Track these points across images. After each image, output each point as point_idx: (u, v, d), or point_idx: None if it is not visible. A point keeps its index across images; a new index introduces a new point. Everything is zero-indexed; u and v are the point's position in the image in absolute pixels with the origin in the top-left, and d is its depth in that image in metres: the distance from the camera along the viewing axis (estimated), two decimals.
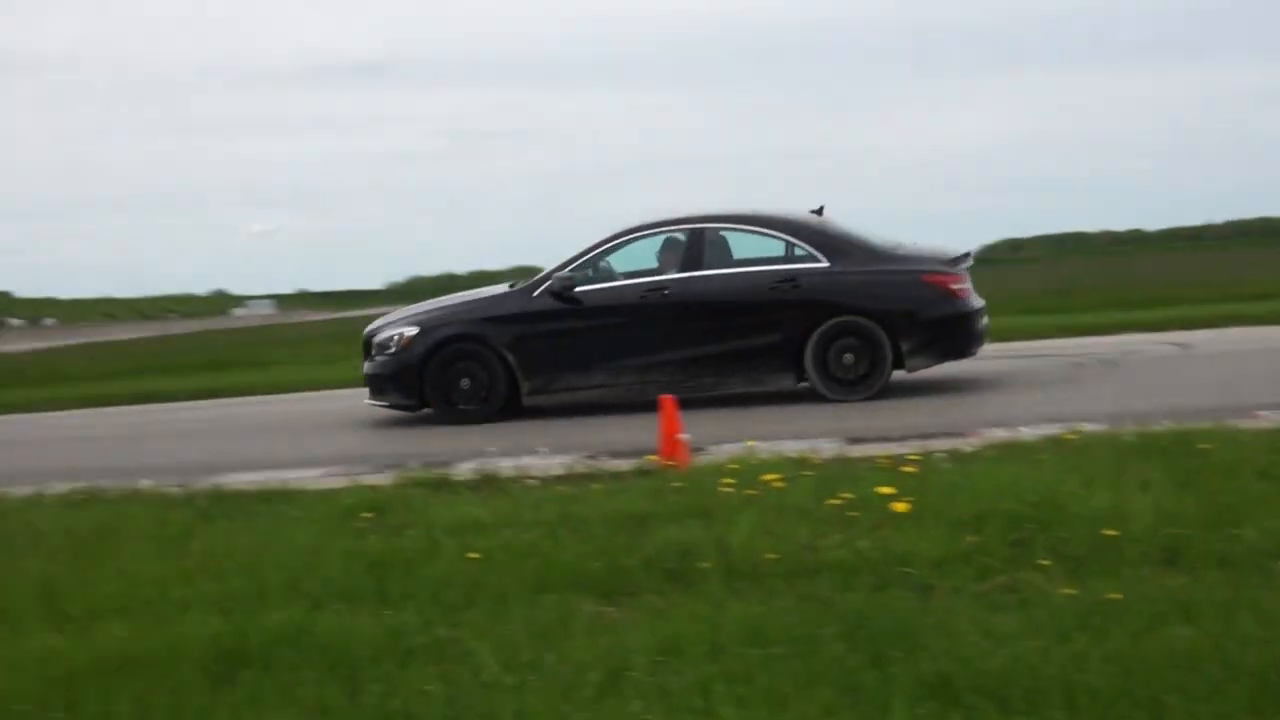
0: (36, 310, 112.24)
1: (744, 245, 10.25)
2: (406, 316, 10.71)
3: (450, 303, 10.77)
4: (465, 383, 10.20)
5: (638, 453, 7.52)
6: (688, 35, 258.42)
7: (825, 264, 10.02)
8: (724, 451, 7.41)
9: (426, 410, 10.40)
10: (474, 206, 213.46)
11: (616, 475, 6.84)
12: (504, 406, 10.20)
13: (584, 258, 10.30)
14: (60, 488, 7.63)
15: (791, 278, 10.00)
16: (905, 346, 9.86)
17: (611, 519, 5.59)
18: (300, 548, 5.36)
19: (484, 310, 10.38)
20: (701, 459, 7.14)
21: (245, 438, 10.65)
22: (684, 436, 7.28)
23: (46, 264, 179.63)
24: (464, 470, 7.37)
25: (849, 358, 9.88)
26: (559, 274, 10.26)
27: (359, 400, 11.40)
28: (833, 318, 9.87)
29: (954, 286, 9.98)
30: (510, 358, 10.17)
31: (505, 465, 7.44)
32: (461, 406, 10.21)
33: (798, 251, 10.07)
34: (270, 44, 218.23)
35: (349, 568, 5.03)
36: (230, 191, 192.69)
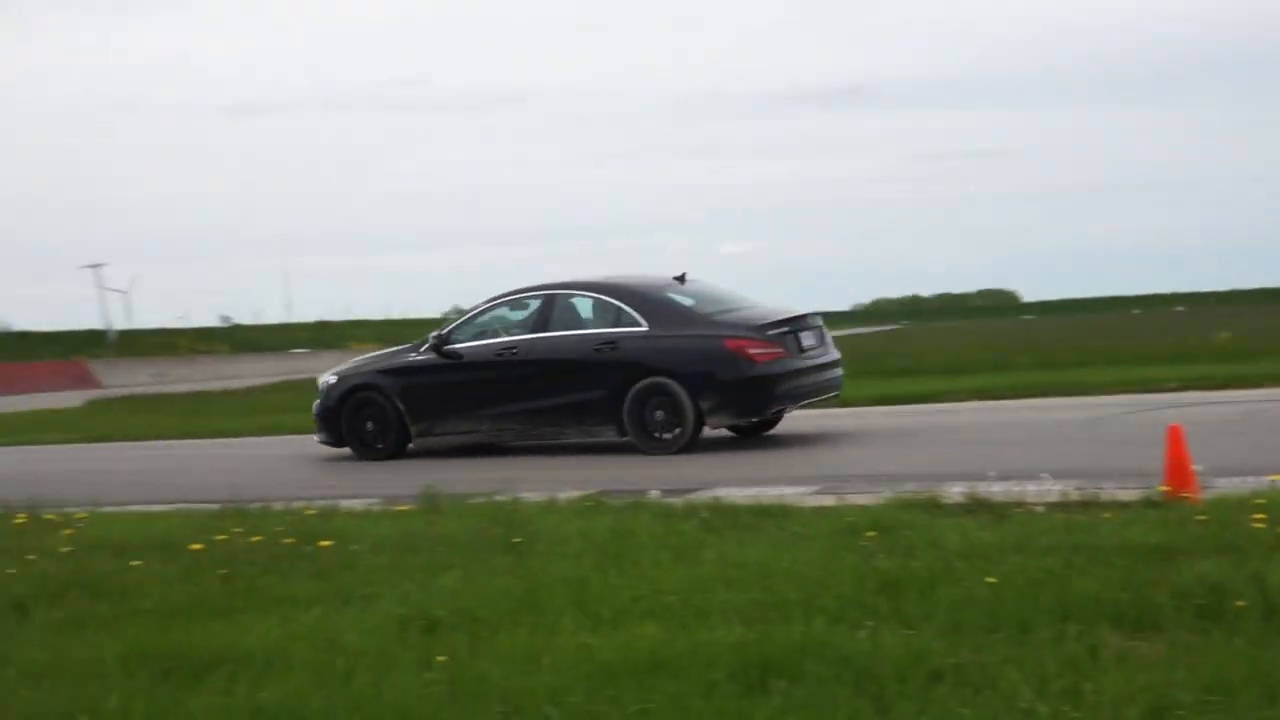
0: None
1: (586, 310, 11.67)
2: (337, 367, 13.17)
3: (369, 355, 13.14)
4: (370, 425, 12.34)
5: (1139, 479, 7.13)
6: (1159, 50, 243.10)
7: (644, 328, 11.28)
8: (1240, 485, 6.91)
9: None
10: (942, 229, 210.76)
11: (1123, 505, 6.53)
12: (399, 447, 12.24)
13: (463, 319, 12.19)
14: (572, 494, 8.21)
15: (612, 340, 11.31)
16: (704, 405, 11.00)
17: (1129, 549, 5.35)
18: (811, 563, 5.47)
19: (384, 363, 12.49)
20: (1212, 492, 6.72)
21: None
22: (1197, 468, 6.90)
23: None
24: (954, 493, 7.27)
25: (660, 414, 11.06)
26: (438, 333, 12.19)
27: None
28: (645, 378, 11.07)
29: (753, 351, 11.02)
30: (400, 405, 12.15)
31: (997, 490, 7.27)
32: (373, 445, 12.34)
33: (623, 317, 11.37)
34: (746, 73, 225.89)
35: (861, 585, 5.08)
36: (705, 214, 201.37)
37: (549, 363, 11.54)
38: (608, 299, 11.56)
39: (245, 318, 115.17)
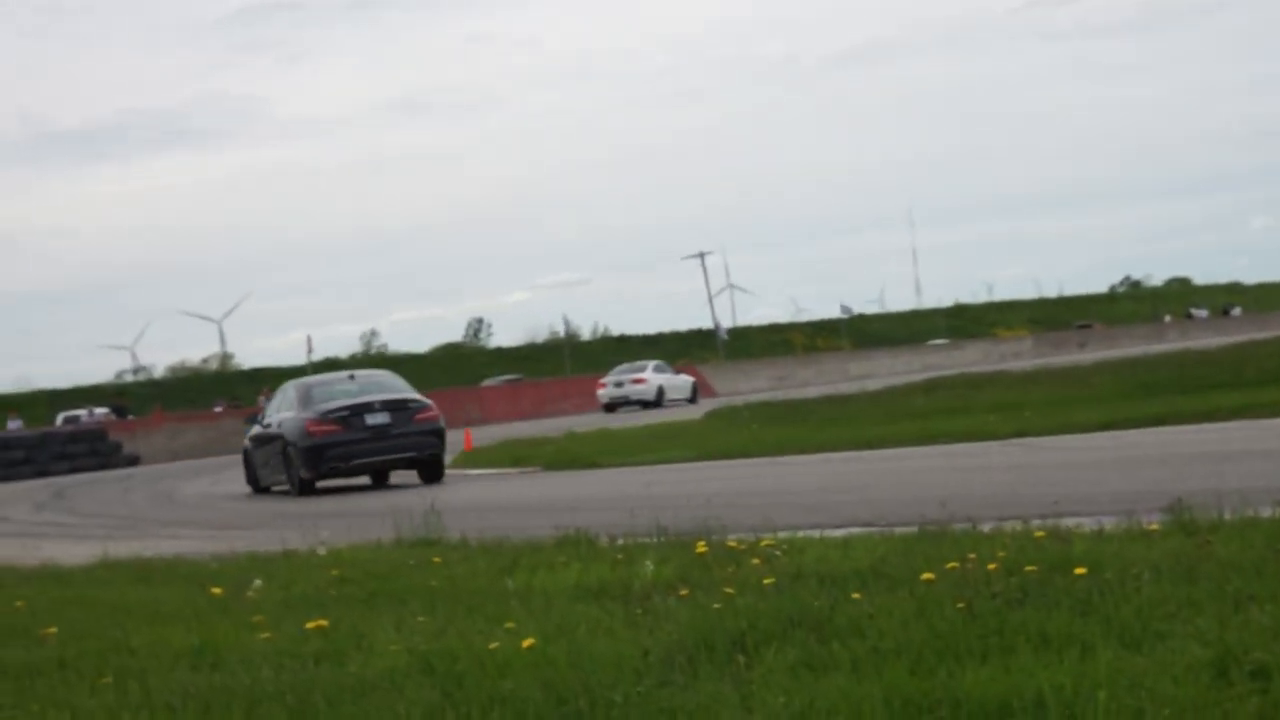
0: (1223, 297, 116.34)
1: (286, 396, 23.09)
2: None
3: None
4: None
5: None
6: None
7: (293, 412, 21.84)
8: None
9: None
10: None
11: None
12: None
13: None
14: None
15: (281, 420, 22.17)
16: (297, 463, 21.30)
17: None
18: None
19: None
20: None
21: None
22: None
23: (1228, 243, 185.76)
24: None
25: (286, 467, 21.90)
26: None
27: None
28: (286, 445, 21.75)
29: (313, 429, 21.10)
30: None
31: None
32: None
33: (294, 403, 22.11)
34: None
35: None
36: None
37: (266, 436, 22.83)
38: (290, 391, 22.68)
39: (868, 306, 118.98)
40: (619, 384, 50.04)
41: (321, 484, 21.88)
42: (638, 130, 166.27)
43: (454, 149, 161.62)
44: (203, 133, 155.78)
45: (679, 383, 51.86)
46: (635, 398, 49.20)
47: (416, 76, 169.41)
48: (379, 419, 21.11)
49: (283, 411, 22.00)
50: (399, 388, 22.39)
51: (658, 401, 48.88)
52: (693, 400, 50.80)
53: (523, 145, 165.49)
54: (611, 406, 49.16)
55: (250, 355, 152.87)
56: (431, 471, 21.71)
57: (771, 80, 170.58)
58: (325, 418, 21.05)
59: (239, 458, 25.03)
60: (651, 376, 50.15)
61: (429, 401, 22.00)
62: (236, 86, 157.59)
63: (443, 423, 21.89)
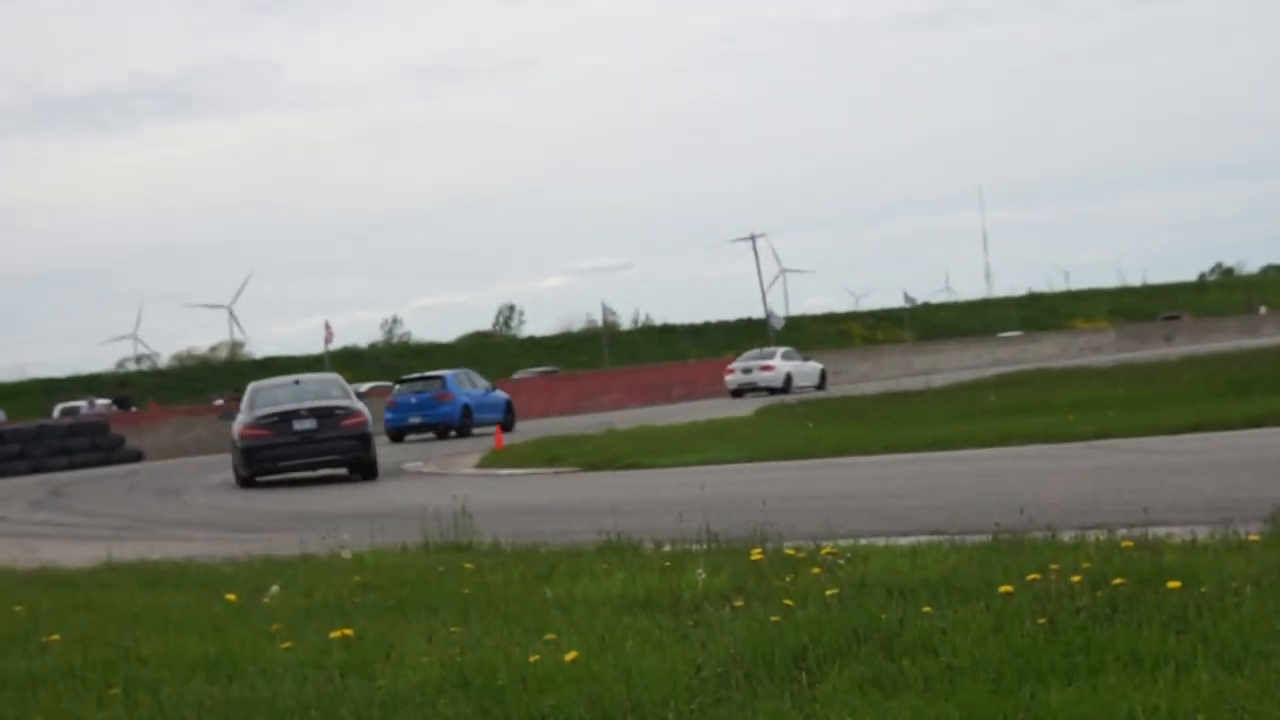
0: None
1: (244, 400, 26.78)
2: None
3: None
4: None
5: None
6: None
7: (244, 415, 25.56)
8: None
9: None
10: None
11: None
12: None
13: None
14: None
15: (232, 419, 26.96)
16: (236, 463, 25.57)
17: None
18: None
19: None
20: None
21: None
22: None
23: None
24: None
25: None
26: None
27: None
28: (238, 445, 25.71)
29: (246, 433, 24.81)
30: None
31: None
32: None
33: (245, 405, 26.12)
34: None
35: None
36: None
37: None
38: (246, 393, 26.35)
39: (933, 295, 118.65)
40: (747, 370, 53.29)
41: (343, 486, 23.02)
42: (682, 100, 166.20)
43: (483, 120, 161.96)
44: (211, 101, 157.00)
45: (807, 369, 54.65)
46: (763, 384, 52.16)
47: (443, 39, 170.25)
48: (306, 425, 24.63)
49: (241, 412, 25.74)
50: (334, 394, 25.81)
51: (785, 388, 51.66)
52: (820, 387, 53.24)
53: (558, 115, 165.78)
54: (739, 392, 52.33)
55: (263, 343, 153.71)
56: (362, 472, 25.14)
57: (830, 45, 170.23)
58: (258, 423, 24.75)
59: None
60: (780, 363, 53.34)
61: (359, 407, 25.36)
62: (247, 50, 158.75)
63: (369, 428, 25.14)
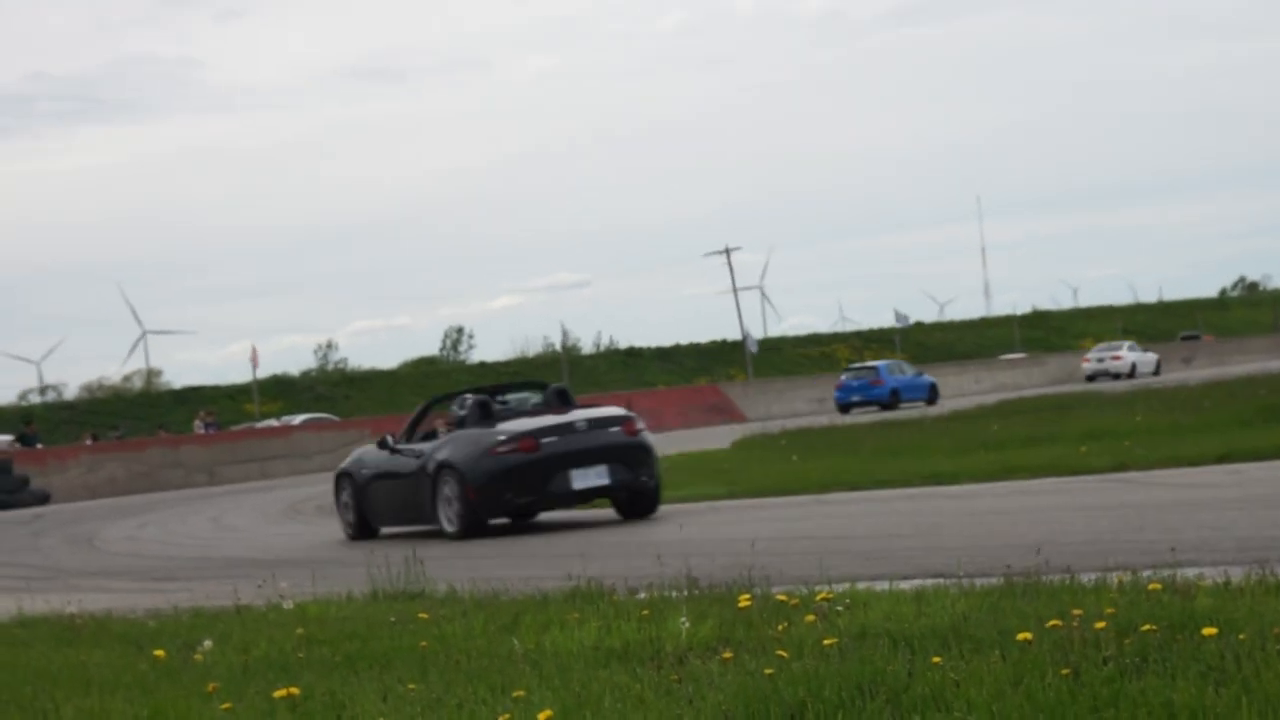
0: None
1: None
2: None
3: None
4: None
5: None
6: None
7: None
8: None
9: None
10: None
11: None
12: None
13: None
14: None
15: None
16: None
17: None
18: None
19: None
20: None
21: None
22: None
23: None
24: None
25: None
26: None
27: None
28: None
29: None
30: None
31: None
32: None
33: None
34: None
35: None
36: None
37: None
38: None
39: (927, 314, 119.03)
40: (1100, 359, 72.54)
41: (277, 527, 22.00)
42: (649, 103, 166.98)
43: (426, 126, 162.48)
44: (122, 104, 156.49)
45: (1147, 359, 72.89)
46: (1114, 371, 70.42)
47: (383, 36, 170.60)
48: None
49: None
50: None
51: (1130, 374, 69.58)
52: (1156, 374, 70.23)
53: (511, 121, 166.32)
54: (1092, 377, 69.68)
55: (184, 371, 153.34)
56: None
57: (810, 43, 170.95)
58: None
59: (170, 495, 25.12)
60: (1126, 354, 72.50)
61: None
62: (164, 48, 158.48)
63: None
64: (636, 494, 18.84)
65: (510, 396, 21.22)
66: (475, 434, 18.45)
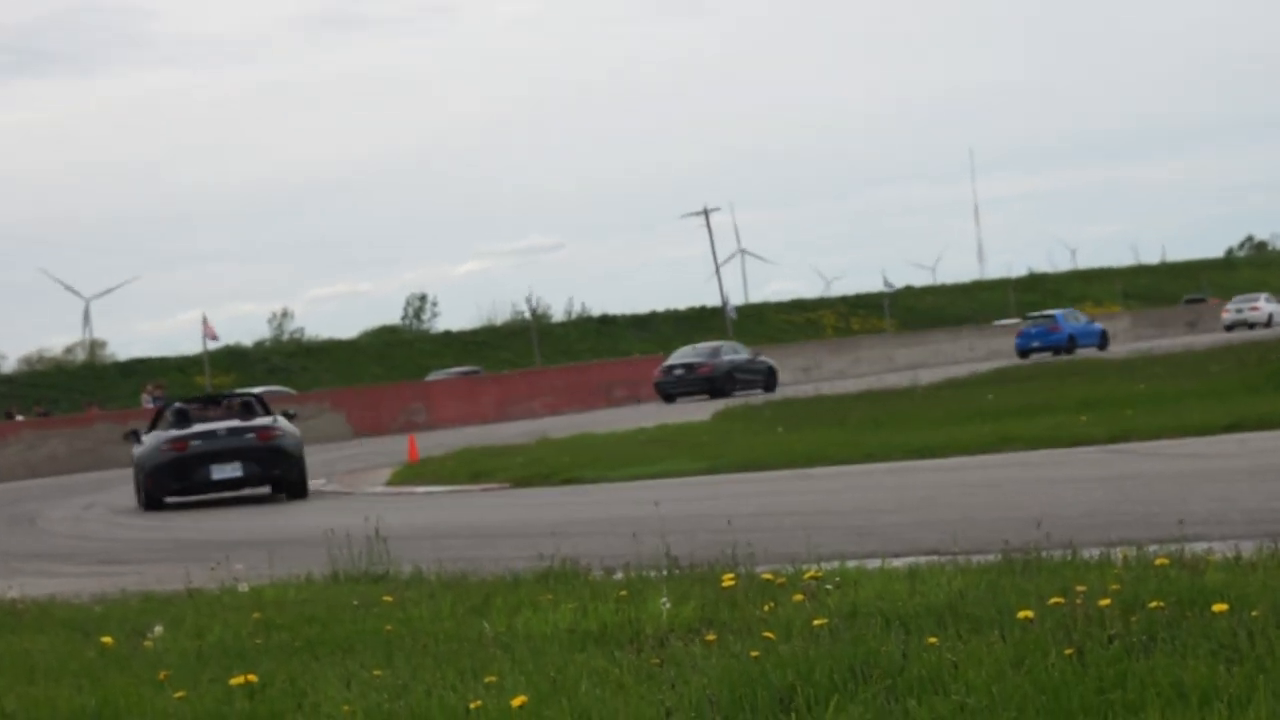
0: None
1: None
2: None
3: None
4: None
5: None
6: None
7: None
8: None
9: None
10: None
11: None
12: None
13: None
14: None
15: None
16: None
17: None
18: None
19: None
20: None
21: None
22: None
23: None
24: None
25: None
26: None
27: None
28: None
29: None
30: None
31: None
32: None
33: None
34: None
35: None
36: None
37: None
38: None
39: (917, 277, 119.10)
40: (1239, 310, 77.00)
41: (230, 507, 23.38)
42: (624, 54, 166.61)
43: (389, 78, 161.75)
44: (66, 57, 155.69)
45: None
46: (1251, 321, 74.32)
47: None
48: None
49: None
50: None
51: (1268, 324, 73.16)
52: None
53: (479, 73, 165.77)
54: (1230, 327, 73.66)
55: (130, 342, 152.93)
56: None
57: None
58: None
59: (117, 473, 25.75)
60: (1264, 305, 77.01)
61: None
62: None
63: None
64: (275, 482, 25.64)
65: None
66: (157, 435, 25.67)
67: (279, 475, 25.51)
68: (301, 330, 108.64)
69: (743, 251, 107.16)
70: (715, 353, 55.34)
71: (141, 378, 67.18)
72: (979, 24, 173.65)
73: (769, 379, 54.67)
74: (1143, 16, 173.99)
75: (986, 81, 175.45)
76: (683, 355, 56.27)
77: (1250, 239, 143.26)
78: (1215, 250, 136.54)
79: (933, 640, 6.65)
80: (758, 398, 44.00)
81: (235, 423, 25.68)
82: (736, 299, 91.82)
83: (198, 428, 25.43)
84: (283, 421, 25.94)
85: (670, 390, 53.45)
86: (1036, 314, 70.45)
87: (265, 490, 25.81)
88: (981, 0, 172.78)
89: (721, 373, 53.42)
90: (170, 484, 25.18)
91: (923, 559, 9.71)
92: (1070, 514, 12.06)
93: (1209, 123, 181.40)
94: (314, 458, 36.69)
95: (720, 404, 41.57)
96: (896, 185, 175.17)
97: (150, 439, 25.61)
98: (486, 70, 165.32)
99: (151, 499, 25.18)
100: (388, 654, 7.95)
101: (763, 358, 56.67)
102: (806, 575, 8.92)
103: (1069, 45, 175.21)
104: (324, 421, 48.09)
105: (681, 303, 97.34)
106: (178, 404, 27.41)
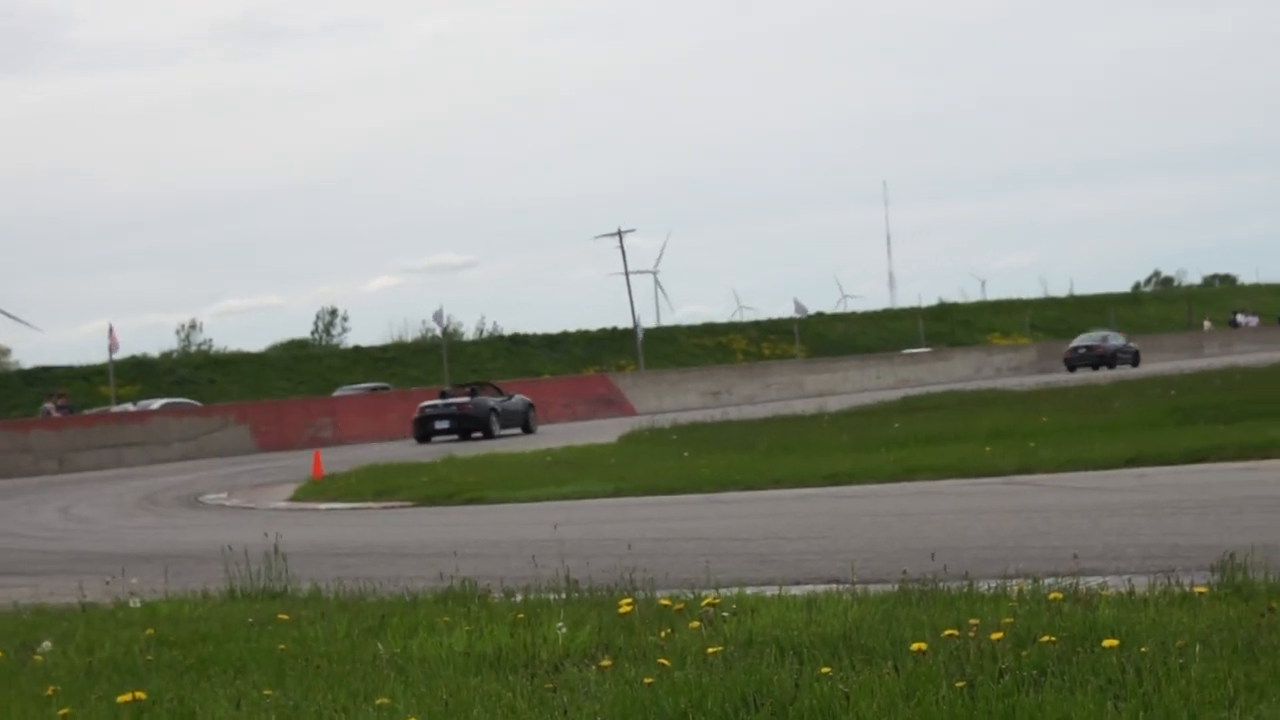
0: (1277, 302, 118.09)
1: None
2: None
3: None
4: None
5: None
6: None
7: None
8: None
9: None
10: None
11: None
12: None
13: None
14: None
15: None
16: None
17: None
18: None
19: None
20: None
21: None
22: None
23: None
24: None
25: None
26: None
27: None
28: None
29: None
30: None
31: None
32: None
33: None
34: None
35: None
36: None
37: None
38: None
39: (828, 304, 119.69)
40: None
41: (130, 520, 22.22)
42: (542, 74, 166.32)
43: (304, 91, 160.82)
44: None
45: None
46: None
47: None
48: None
49: None
50: None
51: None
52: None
53: (395, 87, 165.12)
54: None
55: (33, 351, 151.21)
56: None
57: (711, 11, 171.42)
58: None
59: (16, 483, 25.05)
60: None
61: None
62: (21, 2, 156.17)
63: None
64: None
65: None
66: None
67: None
68: (210, 342, 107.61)
69: (656, 276, 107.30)
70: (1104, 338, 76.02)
71: (45, 386, 66.39)
72: (894, 59, 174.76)
73: (1135, 358, 73.31)
74: (1056, 51, 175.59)
75: (902, 112, 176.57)
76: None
77: (1157, 274, 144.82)
78: (1123, 285, 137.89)
79: (826, 670, 6.67)
80: (665, 419, 44.08)
81: None
82: (648, 321, 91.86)
83: None
84: None
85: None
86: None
87: None
88: (898, 32, 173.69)
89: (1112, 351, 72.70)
90: None
91: (821, 588, 9.74)
92: (972, 545, 12.14)
93: (1122, 158, 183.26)
94: (217, 471, 36.58)
95: (627, 427, 41.58)
96: (809, 211, 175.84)
97: None
98: (404, 86, 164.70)
99: None
100: (280, 674, 7.90)
101: (1132, 344, 75.50)
102: (704, 602, 8.94)
103: (984, 78, 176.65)
104: (229, 435, 47.82)
105: (593, 323, 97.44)
106: None
